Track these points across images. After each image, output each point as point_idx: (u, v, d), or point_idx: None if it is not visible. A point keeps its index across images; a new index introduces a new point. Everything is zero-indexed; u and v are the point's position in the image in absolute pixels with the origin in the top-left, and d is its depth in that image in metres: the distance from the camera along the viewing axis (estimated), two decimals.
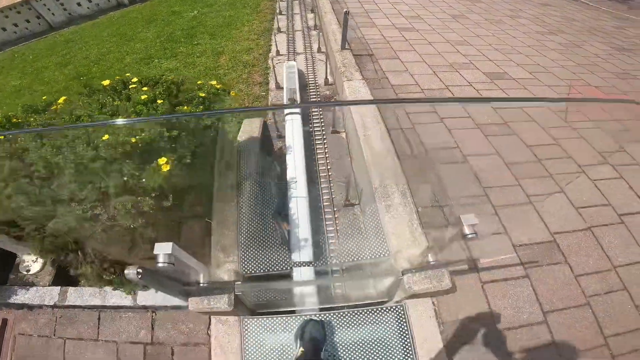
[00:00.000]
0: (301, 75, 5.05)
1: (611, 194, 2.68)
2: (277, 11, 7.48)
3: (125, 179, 1.58)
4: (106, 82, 2.37)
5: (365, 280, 2.31)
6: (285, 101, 4.24)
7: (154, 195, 1.59)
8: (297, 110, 4.07)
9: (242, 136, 3.47)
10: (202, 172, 2.22)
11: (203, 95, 2.47)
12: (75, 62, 7.11)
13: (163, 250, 1.13)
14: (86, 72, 6.43)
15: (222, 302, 1.57)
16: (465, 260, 2.20)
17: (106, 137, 1.72)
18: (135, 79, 2.38)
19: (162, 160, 1.58)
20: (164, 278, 1.36)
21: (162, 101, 2.13)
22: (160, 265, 1.12)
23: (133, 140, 1.70)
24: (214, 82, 2.68)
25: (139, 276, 1.25)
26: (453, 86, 3.91)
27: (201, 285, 1.59)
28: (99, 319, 2.06)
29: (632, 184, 2.78)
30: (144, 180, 1.59)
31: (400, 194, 2.30)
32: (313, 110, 4.12)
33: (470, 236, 1.26)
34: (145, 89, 2.26)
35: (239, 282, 1.69)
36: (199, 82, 2.68)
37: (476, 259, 2.21)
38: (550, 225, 2.40)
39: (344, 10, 4.22)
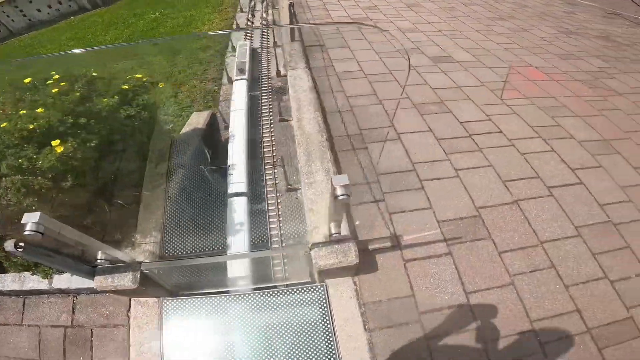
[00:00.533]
0: (257, 67, 5.21)
1: (541, 167, 2.78)
2: (239, 9, 7.47)
3: (20, 160, 1.58)
4: (27, 80, 2.35)
5: (297, 261, 2.34)
6: (234, 72, 4.50)
7: (51, 176, 1.59)
8: (245, 76, 4.43)
9: (187, 128, 3.48)
10: (122, 158, 2.22)
11: (126, 87, 2.48)
12: (30, 67, 6.94)
13: (30, 219, 1.14)
14: None
15: (126, 279, 1.59)
16: (387, 237, 2.25)
17: (4, 124, 1.72)
18: (56, 76, 2.37)
19: (55, 143, 1.59)
20: (53, 253, 1.36)
21: (77, 93, 2.13)
22: (27, 233, 1.13)
23: (31, 126, 1.71)
24: (139, 75, 2.68)
25: (20, 249, 1.25)
26: (396, 70, 4.01)
27: (105, 264, 1.60)
28: (23, 304, 2.05)
29: (563, 156, 2.91)
30: (40, 162, 1.60)
31: (324, 171, 2.36)
32: (262, 99, 4.15)
33: (341, 197, 1.28)
34: (63, 83, 2.25)
35: (148, 261, 1.71)
36: (127, 77, 2.69)
37: (399, 236, 2.26)
38: (477, 199, 2.48)
39: (289, 2, 4.27)
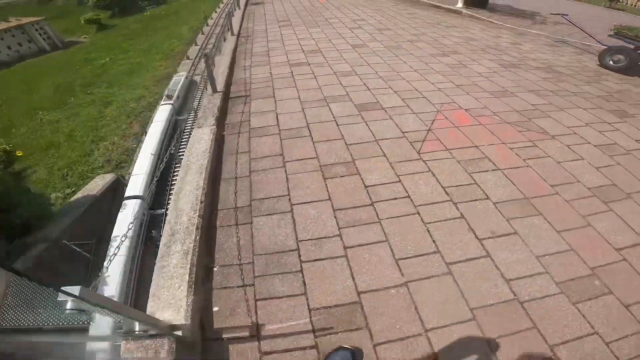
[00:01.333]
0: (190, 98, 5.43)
1: (443, 239, 2.42)
2: (185, 56, 7.45)
3: None
4: None
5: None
6: (163, 99, 4.54)
7: None
8: (171, 101, 4.50)
9: (78, 195, 3.18)
10: None
11: None
12: None
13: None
14: None
15: None
16: (246, 326, 1.94)
17: None
18: None
19: None
20: None
21: None
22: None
23: None
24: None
25: None
26: (315, 123, 3.83)
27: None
28: None
29: (472, 223, 2.62)
30: None
31: (182, 254, 2.08)
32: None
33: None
34: None
35: None
36: None
37: (261, 325, 1.95)
38: (361, 282, 2.19)
39: (205, 51, 4.13)
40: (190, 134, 3.48)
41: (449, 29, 8.53)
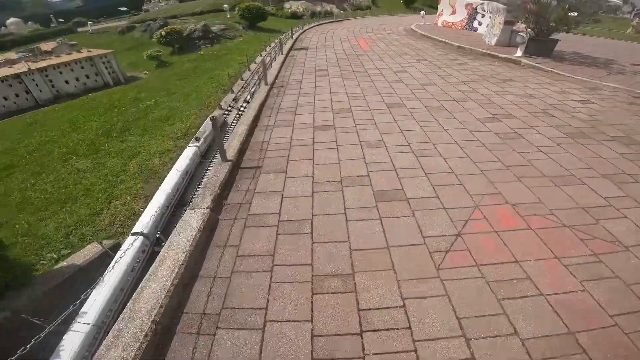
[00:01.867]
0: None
1: None
2: (218, 106, 7.66)
3: None
4: None
5: None
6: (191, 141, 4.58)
7: None
8: (197, 144, 5.14)
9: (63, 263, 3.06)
10: None
11: None
12: (12, 153, 7.30)
13: None
14: None
15: None
16: None
17: None
18: None
19: None
20: None
21: None
22: None
23: None
24: None
25: None
26: (322, 215, 3.38)
27: None
28: None
29: None
30: None
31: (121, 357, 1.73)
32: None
33: None
34: None
35: None
36: None
37: None
38: None
39: (211, 115, 3.98)
40: (182, 216, 3.23)
41: (504, 84, 7.77)
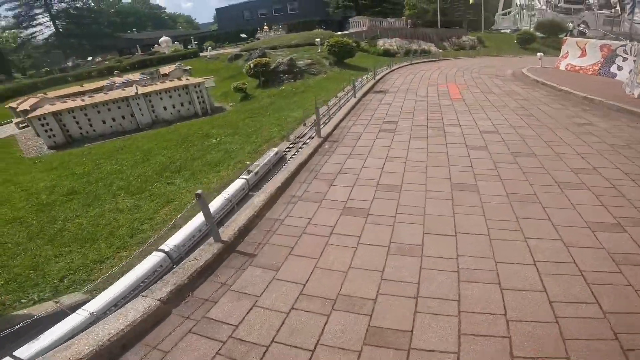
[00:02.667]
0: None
1: None
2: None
3: None
4: None
5: None
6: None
7: None
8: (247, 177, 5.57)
9: None
10: None
11: None
12: (85, 177, 8.21)
13: None
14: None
15: None
16: None
17: None
18: None
19: None
20: None
21: None
22: None
23: None
24: None
25: None
26: (284, 344, 2.45)
27: None
28: None
29: None
30: None
31: None
32: None
33: None
34: None
35: None
36: None
37: None
38: None
39: (197, 192, 3.42)
40: None
41: None
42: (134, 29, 58.88)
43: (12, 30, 49.74)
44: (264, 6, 52.85)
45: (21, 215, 6.36)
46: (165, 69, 20.10)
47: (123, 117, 14.04)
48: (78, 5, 50.55)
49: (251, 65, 16.23)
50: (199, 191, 3.35)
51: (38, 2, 48.14)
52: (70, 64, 38.75)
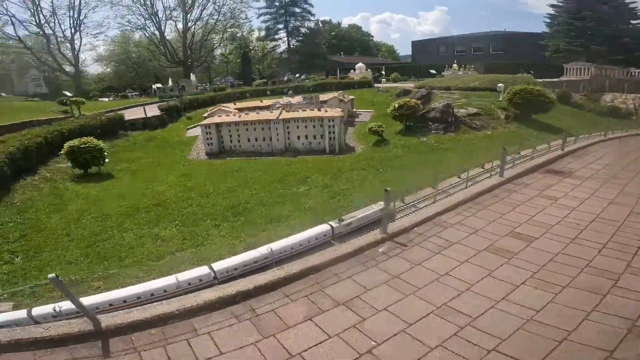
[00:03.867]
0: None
1: None
2: None
3: None
4: None
5: None
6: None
7: None
8: (334, 223, 5.77)
9: None
10: None
11: None
12: (184, 192, 9.06)
13: None
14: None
15: None
16: None
17: None
18: None
19: None
20: None
21: None
22: None
23: None
24: None
25: None
26: None
27: None
28: None
29: None
30: None
31: None
32: None
33: None
34: None
35: None
36: None
37: None
38: None
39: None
40: None
41: None
42: (341, 52, 66.70)
43: (261, 42, 58.97)
44: (462, 43, 49.30)
45: None
46: (323, 96, 21.05)
47: (263, 139, 15.41)
48: (307, 24, 60.94)
49: (395, 105, 14.70)
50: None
51: (282, 18, 55.75)
52: (286, 78, 46.36)
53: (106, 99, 34.84)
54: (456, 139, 13.36)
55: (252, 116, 15.58)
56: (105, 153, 12.81)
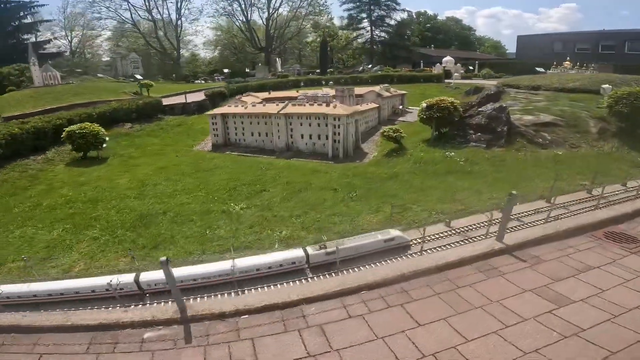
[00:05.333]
0: None
1: None
2: None
3: None
4: None
5: None
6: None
7: None
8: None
9: None
10: None
11: None
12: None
13: None
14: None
15: None
16: None
17: None
18: None
19: None
20: None
21: None
22: None
23: None
24: None
25: None
26: None
27: None
28: None
29: None
30: None
31: None
32: None
33: None
34: None
35: None
36: None
37: None
38: None
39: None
40: None
41: None
42: (431, 45, 60.56)
43: (344, 31, 56.57)
44: (588, 40, 40.19)
45: None
46: (360, 90, 18.00)
47: (266, 135, 13.37)
48: (393, 15, 57.03)
49: (424, 105, 11.14)
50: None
51: (366, 7, 53.35)
52: (361, 68, 44.28)
53: (198, 81, 37.62)
54: (501, 157, 9.36)
55: (256, 108, 13.83)
56: (106, 138, 12.85)
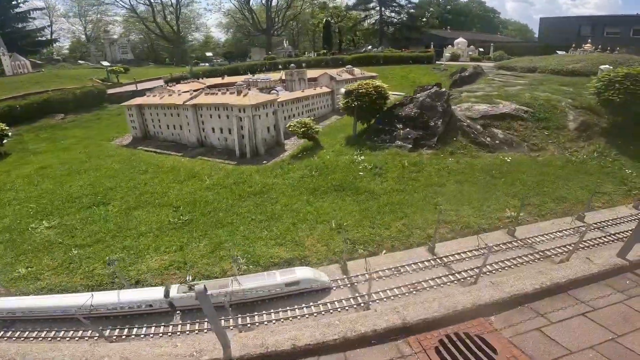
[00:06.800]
0: None
1: None
2: None
3: None
4: None
5: None
6: None
7: None
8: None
9: None
10: None
11: None
12: None
13: None
14: None
15: None
16: None
17: None
18: None
19: None
20: None
21: None
22: None
23: None
24: None
25: None
26: None
27: None
28: None
29: None
30: None
31: None
32: None
33: None
34: None
35: None
36: None
37: None
38: None
39: None
40: None
41: None
42: (448, 27, 56.48)
43: (353, 12, 53.86)
44: (618, 24, 36.97)
45: None
46: (314, 73, 15.51)
47: (181, 128, 11.31)
48: None
49: (342, 91, 8.62)
50: None
51: None
52: (363, 49, 41.88)
53: (203, 64, 36.60)
54: (423, 165, 6.82)
55: (165, 99, 11.81)
56: (9, 134, 11.84)
